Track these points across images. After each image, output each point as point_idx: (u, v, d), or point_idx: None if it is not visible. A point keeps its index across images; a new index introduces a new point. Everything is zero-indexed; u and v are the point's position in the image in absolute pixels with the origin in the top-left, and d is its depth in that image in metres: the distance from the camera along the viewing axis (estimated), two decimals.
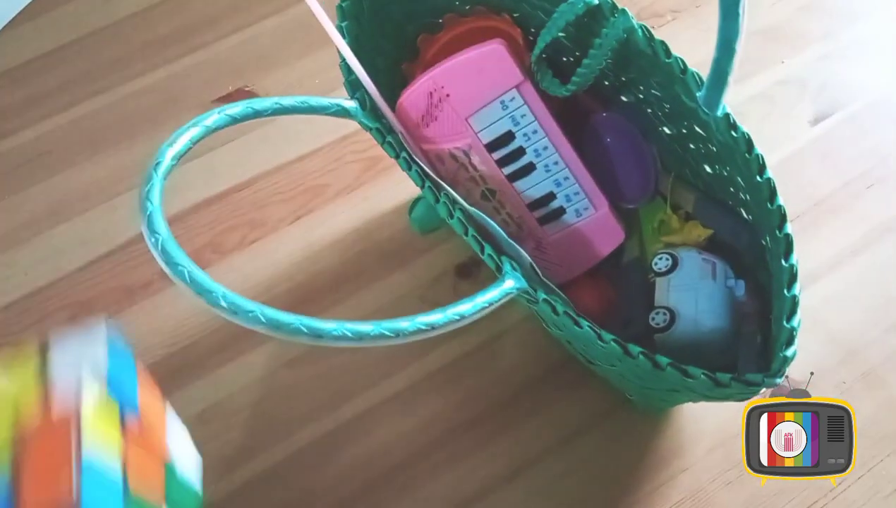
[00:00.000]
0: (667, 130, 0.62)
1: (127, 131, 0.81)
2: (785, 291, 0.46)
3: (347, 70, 0.53)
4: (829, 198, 0.74)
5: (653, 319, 0.54)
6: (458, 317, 0.44)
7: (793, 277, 0.47)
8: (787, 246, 0.48)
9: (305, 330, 0.39)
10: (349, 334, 0.41)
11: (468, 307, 0.45)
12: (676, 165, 0.63)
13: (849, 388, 0.64)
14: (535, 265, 0.47)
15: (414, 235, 0.73)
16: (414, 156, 0.52)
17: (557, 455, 0.62)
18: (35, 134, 0.80)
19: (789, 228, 0.49)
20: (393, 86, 0.59)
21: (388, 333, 0.41)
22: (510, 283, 0.47)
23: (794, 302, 0.46)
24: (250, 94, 0.83)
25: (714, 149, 0.57)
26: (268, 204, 0.76)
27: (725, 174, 0.58)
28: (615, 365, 0.54)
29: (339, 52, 0.53)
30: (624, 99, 0.64)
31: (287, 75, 0.84)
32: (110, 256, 0.73)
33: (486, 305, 0.46)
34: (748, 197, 0.56)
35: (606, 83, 0.62)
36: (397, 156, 0.52)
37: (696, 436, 0.63)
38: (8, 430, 0.38)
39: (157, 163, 0.42)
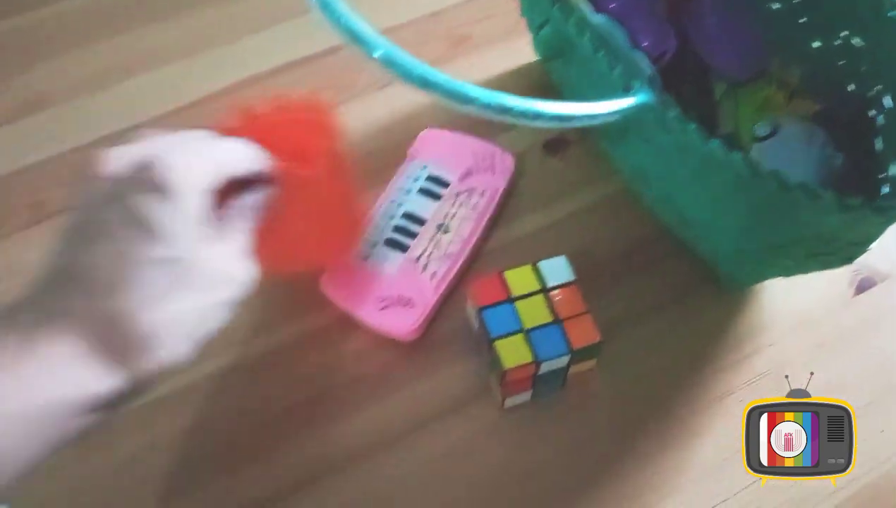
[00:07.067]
0: (777, 5, 0.62)
1: None
2: None
3: None
4: None
5: None
6: (592, 114, 0.44)
7: None
8: None
9: (456, 92, 0.40)
10: (493, 104, 0.41)
11: (602, 108, 0.45)
12: (784, 45, 0.63)
13: None
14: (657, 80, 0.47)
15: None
16: None
17: (639, 323, 0.62)
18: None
19: None
20: None
21: (529, 112, 0.42)
22: (639, 98, 0.47)
23: None
24: None
25: (830, 9, 0.57)
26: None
27: (837, 43, 0.58)
28: (721, 217, 0.53)
29: None
30: None
31: None
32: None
33: (618, 109, 0.45)
34: (863, 64, 0.56)
35: None
36: None
37: (780, 316, 0.62)
38: None
39: None
